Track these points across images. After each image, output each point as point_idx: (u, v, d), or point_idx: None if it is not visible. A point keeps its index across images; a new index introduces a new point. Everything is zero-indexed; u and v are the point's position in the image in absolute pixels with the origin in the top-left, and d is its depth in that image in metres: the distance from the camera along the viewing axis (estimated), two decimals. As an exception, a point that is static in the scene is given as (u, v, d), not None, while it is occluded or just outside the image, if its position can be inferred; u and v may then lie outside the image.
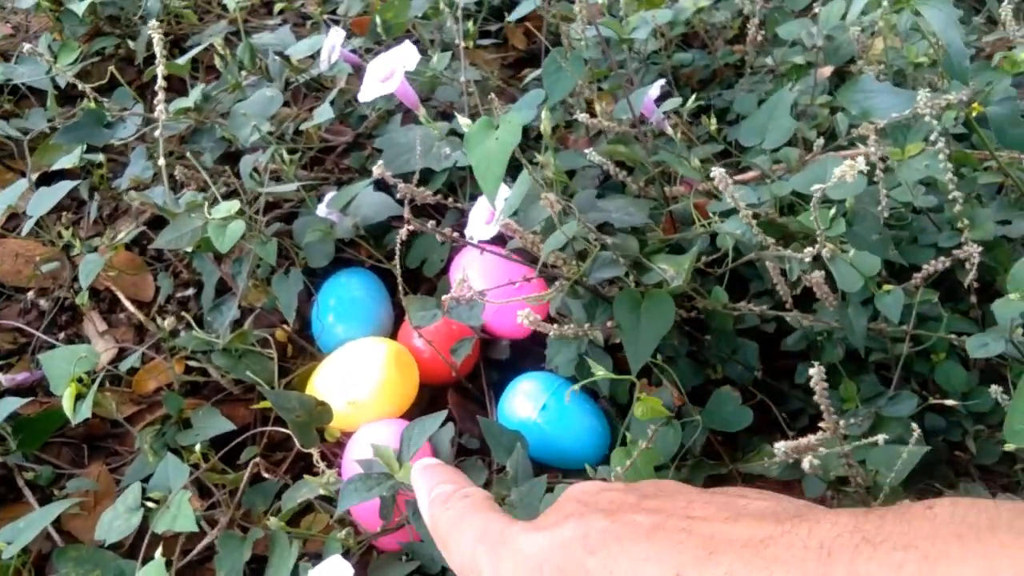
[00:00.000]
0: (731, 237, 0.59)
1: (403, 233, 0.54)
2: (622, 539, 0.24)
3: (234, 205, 0.59)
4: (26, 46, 0.64)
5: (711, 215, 0.60)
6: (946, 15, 0.53)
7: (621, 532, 0.25)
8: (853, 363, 0.62)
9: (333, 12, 1.05)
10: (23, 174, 0.85)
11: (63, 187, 0.65)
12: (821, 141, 0.69)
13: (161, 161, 0.62)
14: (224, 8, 1.01)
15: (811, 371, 0.41)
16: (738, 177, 0.75)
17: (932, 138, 0.58)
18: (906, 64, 0.78)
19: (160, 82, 0.62)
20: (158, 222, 0.80)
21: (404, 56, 0.54)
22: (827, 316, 0.59)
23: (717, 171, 0.50)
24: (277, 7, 1.07)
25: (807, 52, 0.85)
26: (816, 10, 0.74)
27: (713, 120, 0.73)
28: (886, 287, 0.56)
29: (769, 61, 0.85)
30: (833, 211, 0.59)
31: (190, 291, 0.77)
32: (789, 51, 0.87)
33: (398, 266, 0.58)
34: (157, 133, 0.62)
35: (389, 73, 0.55)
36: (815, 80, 0.80)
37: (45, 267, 0.72)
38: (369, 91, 0.55)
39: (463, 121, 0.46)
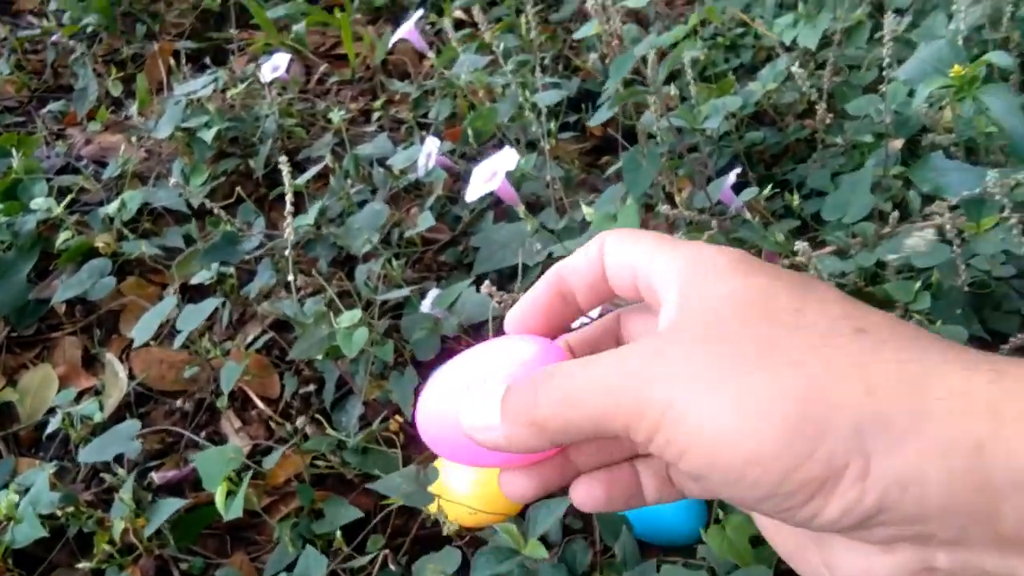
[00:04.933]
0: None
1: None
2: None
3: (356, 314, 0.66)
4: (155, 171, 0.73)
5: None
6: (1006, 102, 0.56)
7: None
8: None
9: (424, 115, 1.14)
10: (162, 286, 0.96)
11: (209, 304, 0.74)
12: (896, 215, 0.72)
13: (291, 276, 0.70)
14: (328, 120, 1.11)
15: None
16: (816, 252, 0.78)
17: (1005, 214, 0.60)
18: (977, 134, 0.80)
19: (288, 207, 0.70)
20: (281, 325, 0.89)
21: (505, 159, 0.61)
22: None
23: (801, 245, 0.56)
24: (375, 115, 1.18)
25: (876, 125, 0.88)
26: (883, 88, 0.78)
27: (796, 196, 0.77)
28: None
29: (840, 140, 0.89)
30: (918, 285, 0.63)
31: (311, 387, 0.84)
32: (859, 125, 0.90)
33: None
34: (287, 252, 0.70)
35: (491, 175, 0.62)
36: (886, 153, 0.83)
37: (187, 372, 0.81)
38: (475, 191, 0.62)
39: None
